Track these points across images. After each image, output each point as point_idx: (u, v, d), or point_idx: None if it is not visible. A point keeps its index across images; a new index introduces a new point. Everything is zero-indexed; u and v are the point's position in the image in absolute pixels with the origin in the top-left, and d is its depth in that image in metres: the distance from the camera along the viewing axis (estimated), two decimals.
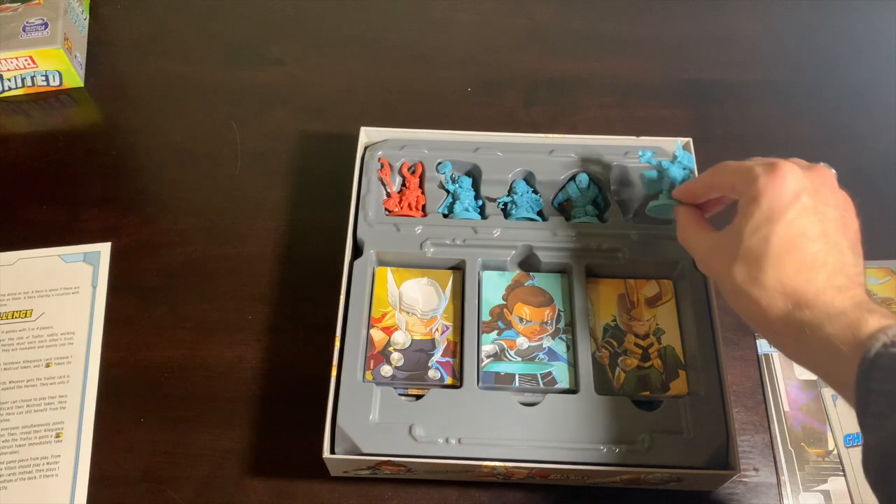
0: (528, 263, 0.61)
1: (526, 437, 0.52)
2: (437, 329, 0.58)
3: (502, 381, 0.55)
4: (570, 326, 0.57)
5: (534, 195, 0.63)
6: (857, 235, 0.49)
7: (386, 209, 0.62)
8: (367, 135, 0.65)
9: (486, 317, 0.58)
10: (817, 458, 0.57)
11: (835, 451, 0.57)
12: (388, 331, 0.57)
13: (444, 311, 0.58)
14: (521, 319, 0.58)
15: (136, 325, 0.63)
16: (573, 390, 0.54)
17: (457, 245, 0.60)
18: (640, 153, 0.59)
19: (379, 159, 0.63)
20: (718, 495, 0.56)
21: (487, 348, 0.57)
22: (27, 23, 0.74)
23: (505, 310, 0.58)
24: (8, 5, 0.76)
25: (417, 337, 0.57)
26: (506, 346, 0.57)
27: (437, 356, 0.56)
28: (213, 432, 0.58)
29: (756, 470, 0.57)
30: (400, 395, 0.54)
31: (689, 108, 0.76)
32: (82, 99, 0.77)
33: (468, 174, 0.65)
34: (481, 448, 0.51)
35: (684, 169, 0.57)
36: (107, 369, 0.61)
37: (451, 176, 0.64)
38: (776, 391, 0.60)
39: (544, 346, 0.57)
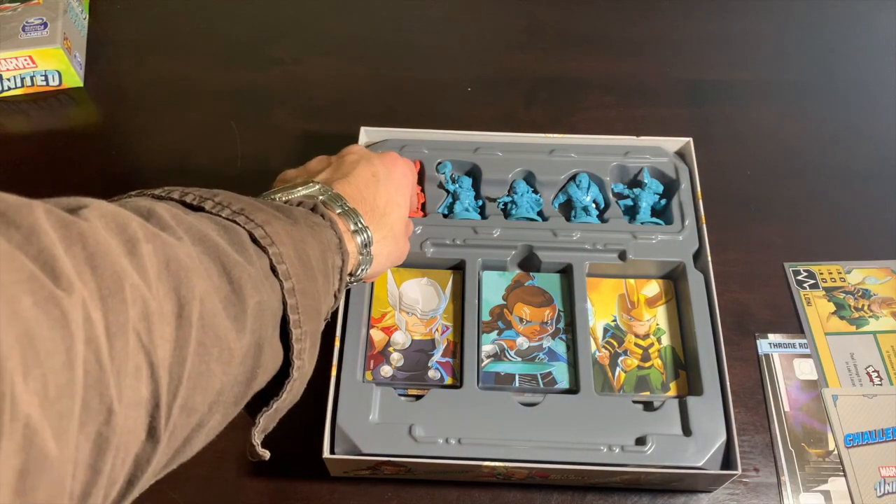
0: (528, 263, 0.61)
1: (526, 437, 0.51)
2: (437, 329, 0.58)
3: (502, 382, 0.55)
4: (570, 326, 0.57)
5: (534, 195, 0.63)
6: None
7: None
8: (367, 135, 0.65)
9: (486, 317, 0.58)
10: (818, 459, 0.57)
11: (835, 452, 0.57)
12: (388, 331, 0.57)
13: (444, 311, 0.58)
14: (521, 319, 0.58)
15: None
16: (573, 390, 0.54)
17: (457, 245, 0.60)
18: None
19: None
20: (718, 495, 0.56)
21: (487, 348, 0.57)
22: (26, 22, 0.74)
23: (505, 310, 0.58)
24: (7, 5, 0.76)
25: (417, 337, 0.57)
26: (506, 347, 0.57)
27: (437, 356, 0.56)
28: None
29: (756, 470, 0.57)
30: (400, 395, 0.54)
31: (689, 108, 0.76)
32: (82, 99, 0.77)
33: (468, 174, 0.65)
34: (481, 448, 0.51)
35: (654, 194, 0.63)
36: None
37: (451, 176, 0.64)
38: (776, 391, 0.60)
39: (544, 346, 0.57)
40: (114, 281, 0.27)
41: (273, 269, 0.36)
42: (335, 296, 0.43)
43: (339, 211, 0.44)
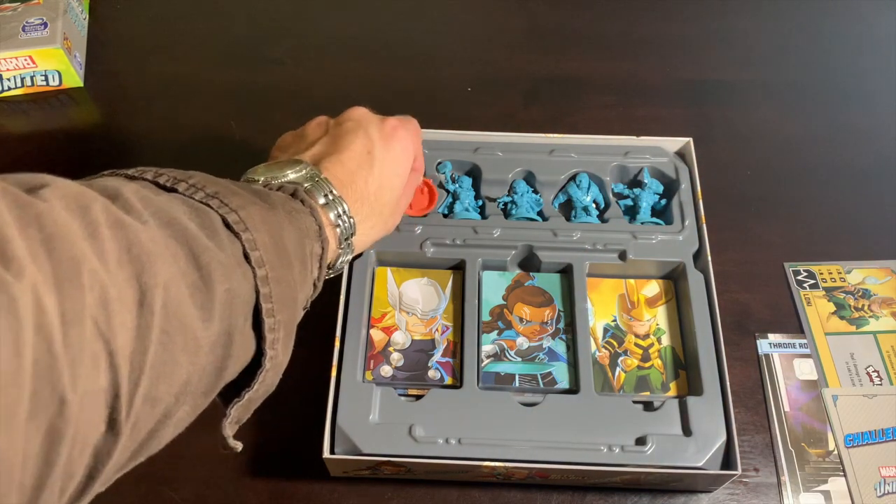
0: (528, 263, 0.61)
1: (526, 437, 0.52)
2: (437, 329, 0.58)
3: (502, 382, 0.55)
4: (570, 326, 0.57)
5: (534, 195, 0.63)
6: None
7: None
8: None
9: (486, 317, 0.58)
10: (818, 459, 0.57)
11: (835, 452, 0.57)
12: (388, 331, 0.57)
13: (444, 311, 0.58)
14: (521, 319, 0.58)
15: None
16: (573, 390, 0.54)
17: (457, 245, 0.60)
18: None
19: None
20: (718, 495, 0.56)
21: (487, 348, 0.57)
22: (26, 22, 0.74)
23: (505, 310, 0.58)
24: (7, 5, 0.76)
25: (417, 337, 0.57)
26: (506, 347, 0.57)
27: (437, 356, 0.56)
28: (214, 432, 0.58)
29: (756, 470, 0.57)
30: (400, 395, 0.54)
31: (689, 108, 0.76)
32: (82, 99, 0.77)
33: (468, 174, 0.65)
34: (481, 448, 0.51)
35: (654, 194, 0.63)
36: None
37: (451, 176, 0.64)
38: (776, 391, 0.60)
39: (544, 346, 0.57)
40: (71, 265, 0.26)
41: (246, 256, 0.35)
42: (314, 284, 0.41)
43: (322, 201, 0.43)
